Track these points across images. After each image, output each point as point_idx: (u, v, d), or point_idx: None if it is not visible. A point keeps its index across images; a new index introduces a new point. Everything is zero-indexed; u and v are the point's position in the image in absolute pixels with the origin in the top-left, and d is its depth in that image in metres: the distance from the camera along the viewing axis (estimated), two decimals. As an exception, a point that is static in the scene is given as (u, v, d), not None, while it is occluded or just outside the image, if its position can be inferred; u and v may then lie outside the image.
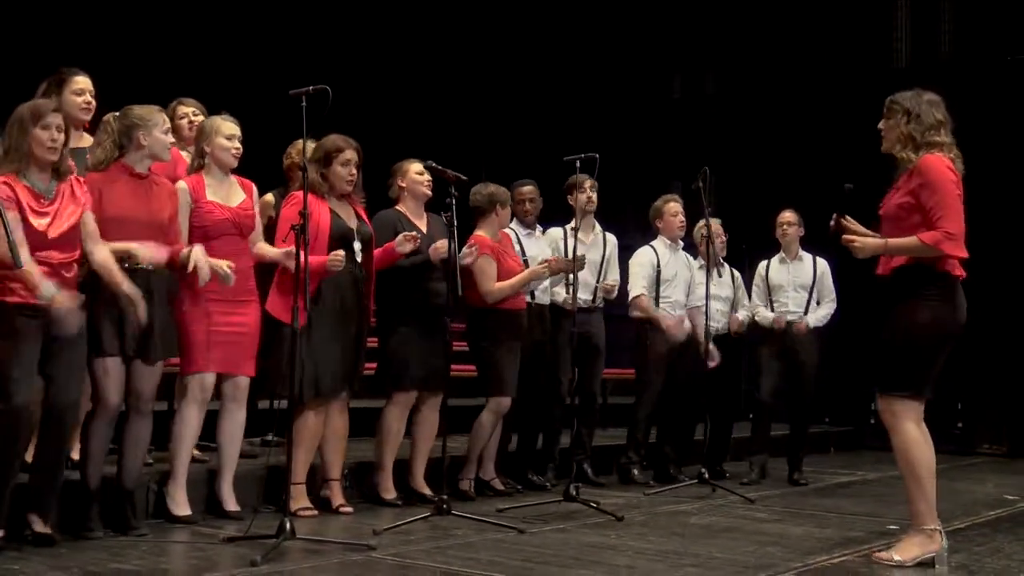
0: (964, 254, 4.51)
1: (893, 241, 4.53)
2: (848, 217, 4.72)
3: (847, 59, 11.17)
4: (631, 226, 7.80)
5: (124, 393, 4.74)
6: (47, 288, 4.12)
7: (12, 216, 4.00)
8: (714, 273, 7.28)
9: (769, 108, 11.64)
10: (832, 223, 4.70)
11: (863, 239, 4.59)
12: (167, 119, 4.92)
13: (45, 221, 4.26)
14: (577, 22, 12.32)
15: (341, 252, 5.21)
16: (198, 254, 4.77)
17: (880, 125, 4.70)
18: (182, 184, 5.05)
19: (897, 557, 4.52)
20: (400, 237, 5.54)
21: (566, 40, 12.31)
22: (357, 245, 5.41)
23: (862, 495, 7.05)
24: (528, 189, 6.74)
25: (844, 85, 10.80)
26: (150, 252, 4.62)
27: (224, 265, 4.87)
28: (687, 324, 7.06)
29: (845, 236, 4.62)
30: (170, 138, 4.91)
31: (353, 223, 5.46)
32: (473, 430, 6.20)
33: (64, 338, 4.25)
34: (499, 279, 6.13)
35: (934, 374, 4.59)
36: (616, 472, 7.31)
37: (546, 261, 6.27)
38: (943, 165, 4.50)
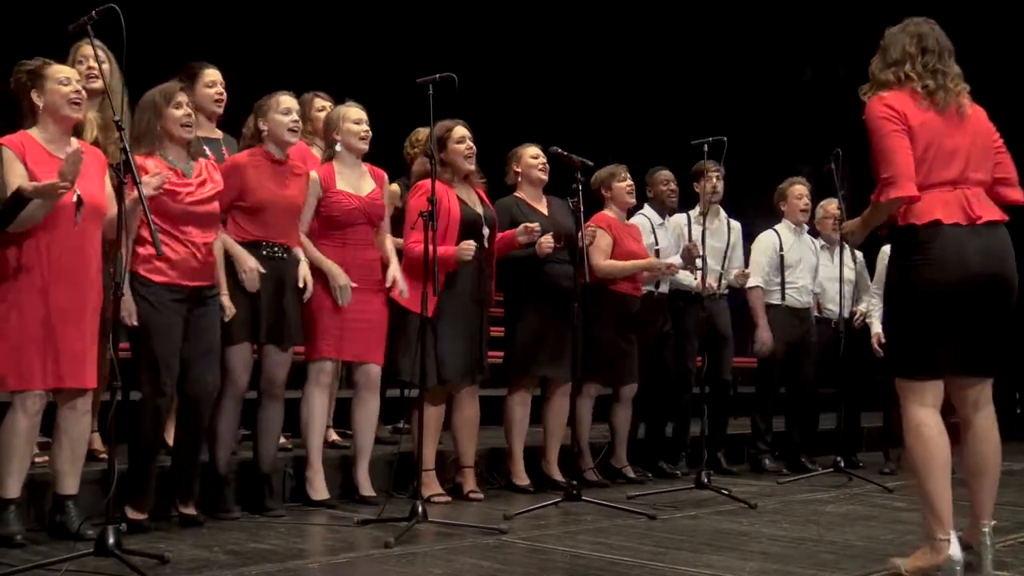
0: (910, 192, 3.71)
1: (865, 213, 3.87)
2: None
3: (980, 37, 10.75)
4: (760, 210, 7.66)
5: (256, 378, 4.87)
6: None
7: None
8: (835, 255, 7.16)
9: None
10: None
11: (848, 222, 3.99)
12: (287, 101, 4.93)
13: (187, 191, 4.36)
14: (707, 5, 12.17)
15: (471, 242, 5.22)
16: (307, 279, 4.93)
17: None
18: (313, 174, 5.13)
19: (898, 561, 3.84)
20: (521, 227, 5.50)
21: (695, 23, 12.17)
22: (486, 231, 5.44)
23: (1007, 485, 6.66)
24: (666, 174, 6.73)
25: (978, 65, 10.42)
26: (253, 280, 4.71)
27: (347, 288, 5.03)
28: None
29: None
30: (290, 117, 4.90)
31: (480, 209, 5.48)
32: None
33: (203, 322, 4.40)
34: (615, 259, 6.12)
35: (944, 347, 3.74)
36: (747, 461, 7.22)
37: (671, 265, 6.22)
38: (874, 106, 3.82)
